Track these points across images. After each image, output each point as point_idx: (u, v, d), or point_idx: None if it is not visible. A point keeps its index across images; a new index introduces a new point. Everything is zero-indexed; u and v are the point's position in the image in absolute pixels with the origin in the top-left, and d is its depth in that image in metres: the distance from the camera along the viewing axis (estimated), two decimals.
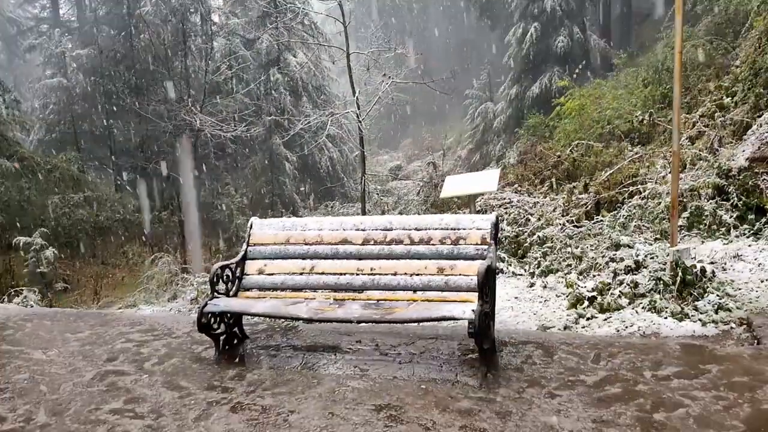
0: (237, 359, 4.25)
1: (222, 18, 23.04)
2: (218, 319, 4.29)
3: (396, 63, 15.47)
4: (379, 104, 14.60)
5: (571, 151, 10.21)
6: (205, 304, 4.12)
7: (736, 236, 6.25)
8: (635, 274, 5.49)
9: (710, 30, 12.38)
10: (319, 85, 23.99)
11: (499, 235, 6.43)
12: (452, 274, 4.02)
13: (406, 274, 4.14)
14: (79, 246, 17.01)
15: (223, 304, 4.15)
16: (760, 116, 7.42)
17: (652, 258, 5.63)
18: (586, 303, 5.30)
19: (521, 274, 7.00)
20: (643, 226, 6.95)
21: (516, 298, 6.04)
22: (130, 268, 16.51)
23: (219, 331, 4.32)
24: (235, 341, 4.53)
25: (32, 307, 9.24)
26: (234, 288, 4.48)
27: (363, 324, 3.88)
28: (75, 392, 3.78)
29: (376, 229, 4.39)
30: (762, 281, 5.15)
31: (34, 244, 13.49)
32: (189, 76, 20.71)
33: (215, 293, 4.28)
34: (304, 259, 4.48)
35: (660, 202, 7.01)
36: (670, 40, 11.45)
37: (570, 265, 6.51)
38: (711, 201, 6.72)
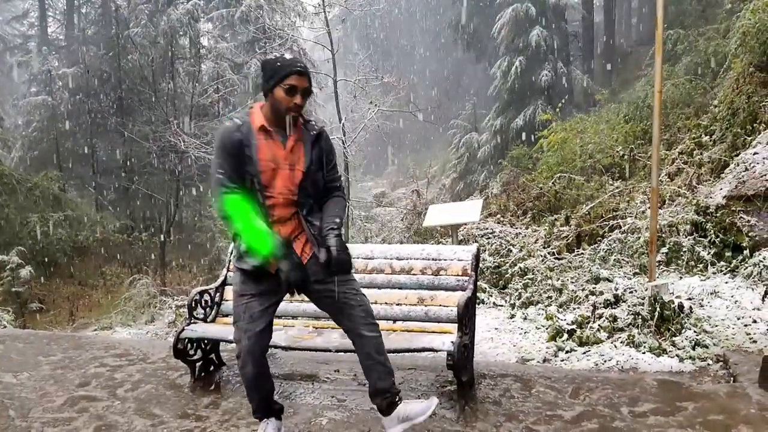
0: (213, 386, 4.18)
1: (211, 41, 23.14)
2: (195, 345, 4.23)
3: (383, 91, 15.61)
4: (364, 131, 14.69)
5: (553, 183, 10.32)
6: (182, 330, 4.07)
7: (714, 273, 6.32)
8: (614, 308, 5.52)
9: (690, 69, 12.68)
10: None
11: (481, 265, 6.44)
12: (432, 305, 4.01)
13: (386, 303, 4.12)
14: (56, 265, 16.74)
15: (200, 330, 4.10)
16: (737, 155, 7.57)
17: (631, 292, 5.67)
18: (566, 336, 5.31)
19: (502, 305, 7.00)
20: (623, 260, 7.01)
21: (496, 329, 6.03)
22: (108, 289, 16.25)
23: (195, 357, 4.26)
24: (212, 368, 4.47)
25: (5, 327, 9.07)
26: (212, 313, 4.43)
27: (342, 353, 3.84)
28: (44, 418, 3.69)
29: (357, 258, 4.37)
30: (738, 318, 5.20)
31: (10, 263, 13.29)
32: (175, 98, 20.68)
33: (193, 318, 4.23)
34: None
35: (639, 237, 7.09)
36: (651, 78, 11.71)
37: (550, 297, 6.52)
38: (689, 237, 6.81)
